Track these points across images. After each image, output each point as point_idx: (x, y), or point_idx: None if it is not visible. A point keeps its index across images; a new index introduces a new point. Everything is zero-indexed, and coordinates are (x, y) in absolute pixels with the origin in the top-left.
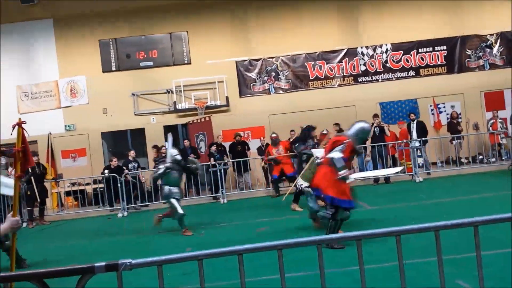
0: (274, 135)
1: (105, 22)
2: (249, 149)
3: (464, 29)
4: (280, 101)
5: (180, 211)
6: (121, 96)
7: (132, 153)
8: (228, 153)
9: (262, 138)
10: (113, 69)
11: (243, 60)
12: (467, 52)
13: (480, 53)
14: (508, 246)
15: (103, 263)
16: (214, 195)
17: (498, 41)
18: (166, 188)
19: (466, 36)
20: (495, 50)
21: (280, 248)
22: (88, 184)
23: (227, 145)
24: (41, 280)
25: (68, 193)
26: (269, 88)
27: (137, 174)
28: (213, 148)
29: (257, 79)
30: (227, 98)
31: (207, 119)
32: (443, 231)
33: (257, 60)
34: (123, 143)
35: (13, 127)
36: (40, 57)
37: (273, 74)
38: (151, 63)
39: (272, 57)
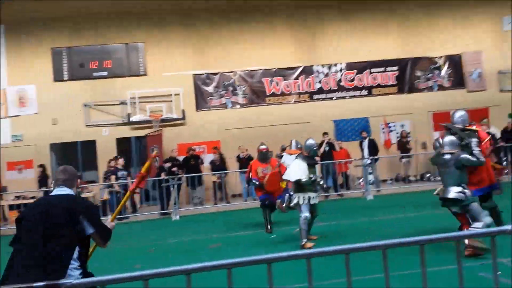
0: (263, 147)
1: (59, 29)
2: (202, 163)
3: (415, 51)
4: (236, 116)
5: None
6: (73, 107)
7: (121, 161)
8: (182, 168)
9: (215, 150)
10: (65, 78)
11: (201, 73)
12: (417, 74)
13: (429, 75)
14: (453, 263)
15: (43, 283)
16: (165, 211)
17: (446, 63)
18: None
19: (417, 58)
20: (443, 72)
21: (230, 267)
22: (33, 198)
23: (182, 159)
24: None
25: (11, 207)
26: (226, 103)
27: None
28: (167, 163)
29: (214, 93)
30: (183, 111)
31: (159, 132)
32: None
33: (215, 74)
34: (72, 155)
35: None
36: None
37: (231, 88)
38: (105, 73)
39: (230, 72)
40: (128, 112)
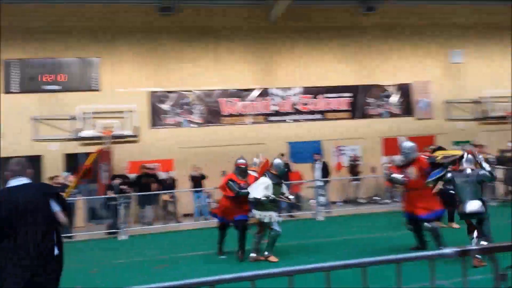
0: (242, 161)
1: (11, 41)
2: (155, 182)
3: (368, 79)
4: (191, 135)
5: None
6: (20, 120)
7: (71, 178)
8: (132, 186)
9: (169, 171)
10: (15, 90)
11: (157, 91)
12: (368, 100)
13: (380, 102)
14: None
15: None
16: (112, 230)
17: (397, 92)
18: None
19: (369, 86)
20: (393, 100)
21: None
22: None
23: (134, 176)
24: None
25: None
26: (181, 121)
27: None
28: (117, 180)
29: (170, 111)
30: (136, 128)
31: (109, 149)
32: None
33: (171, 92)
34: None
35: None
36: None
37: (187, 107)
38: (58, 87)
39: (187, 91)
40: (78, 127)
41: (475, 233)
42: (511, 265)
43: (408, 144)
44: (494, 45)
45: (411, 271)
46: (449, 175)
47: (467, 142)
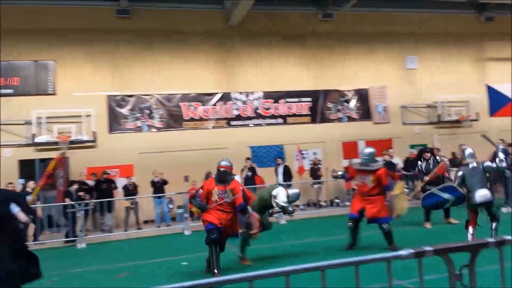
0: (224, 163)
1: None
2: (116, 187)
3: (326, 84)
4: (152, 140)
5: None
6: None
7: (31, 185)
8: (92, 192)
9: (130, 177)
10: None
11: (115, 95)
12: (328, 105)
13: (339, 107)
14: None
15: None
16: (70, 238)
17: (355, 97)
18: None
19: (328, 91)
20: (352, 104)
21: None
22: None
23: (92, 183)
24: None
25: None
26: (141, 126)
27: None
28: (74, 186)
29: (129, 115)
30: (94, 133)
31: (64, 155)
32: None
33: (130, 96)
34: None
35: None
36: None
37: (147, 111)
38: (11, 90)
39: (147, 95)
40: (33, 133)
41: (470, 229)
42: (466, 264)
43: (368, 150)
44: (447, 52)
45: (370, 272)
46: (460, 173)
47: (423, 145)
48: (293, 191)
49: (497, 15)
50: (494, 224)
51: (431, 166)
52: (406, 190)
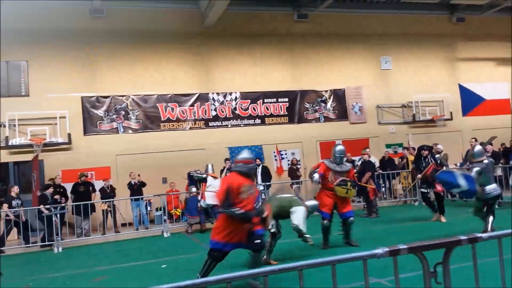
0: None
1: None
2: (94, 191)
3: (303, 84)
4: (129, 141)
5: None
6: None
7: (15, 189)
8: (68, 195)
9: (107, 179)
10: None
11: (90, 96)
12: (305, 105)
13: (317, 107)
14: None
15: None
16: (46, 243)
17: (331, 97)
18: None
19: (305, 91)
20: (328, 105)
21: None
22: None
23: (68, 186)
24: None
25: None
26: (117, 127)
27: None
28: (50, 190)
29: (105, 117)
30: (69, 135)
31: (36, 157)
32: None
33: (106, 97)
34: None
35: None
36: None
37: (123, 112)
38: None
39: (122, 96)
40: (6, 135)
41: (491, 219)
42: (440, 262)
43: (340, 147)
44: (421, 53)
45: (349, 271)
46: (477, 169)
47: (398, 144)
48: (311, 203)
49: (468, 15)
50: (491, 218)
51: (428, 163)
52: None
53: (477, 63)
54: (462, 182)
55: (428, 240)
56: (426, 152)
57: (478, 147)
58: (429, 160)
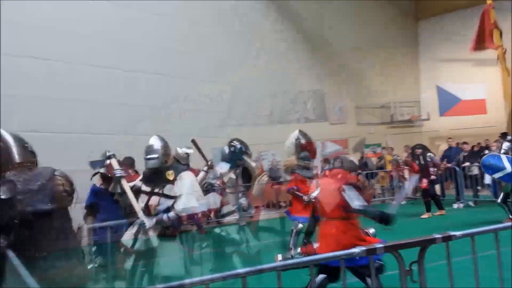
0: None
1: None
2: None
3: (284, 85)
4: None
5: None
6: None
7: None
8: None
9: None
10: None
11: None
12: (286, 106)
13: (298, 108)
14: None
15: None
16: None
17: (312, 98)
18: None
19: (286, 92)
20: (309, 106)
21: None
22: None
23: None
24: None
25: None
26: None
27: None
28: None
29: None
30: None
31: None
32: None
33: None
34: None
35: None
36: None
37: None
38: None
39: None
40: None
41: None
42: (416, 260)
43: (305, 153)
44: (400, 54)
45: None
46: None
47: (377, 145)
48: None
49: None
50: None
51: (422, 162)
52: None
53: (455, 63)
54: (508, 164)
55: (404, 239)
56: (420, 151)
57: (506, 144)
58: (422, 158)
